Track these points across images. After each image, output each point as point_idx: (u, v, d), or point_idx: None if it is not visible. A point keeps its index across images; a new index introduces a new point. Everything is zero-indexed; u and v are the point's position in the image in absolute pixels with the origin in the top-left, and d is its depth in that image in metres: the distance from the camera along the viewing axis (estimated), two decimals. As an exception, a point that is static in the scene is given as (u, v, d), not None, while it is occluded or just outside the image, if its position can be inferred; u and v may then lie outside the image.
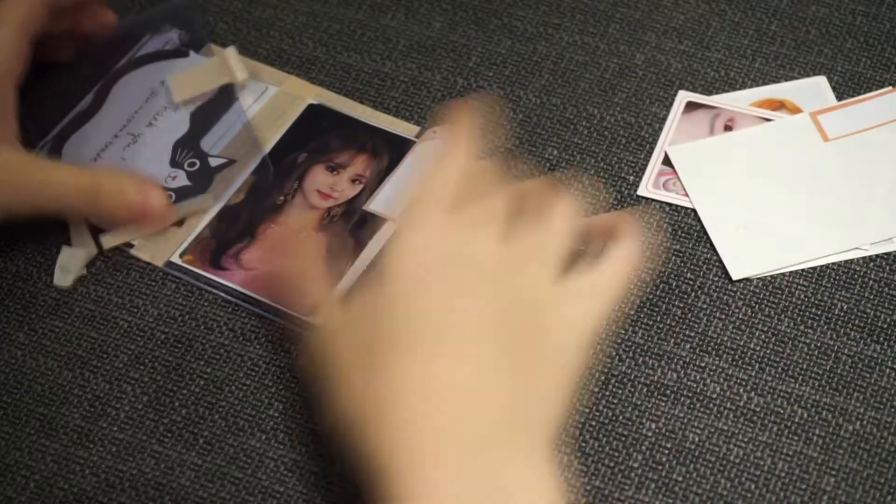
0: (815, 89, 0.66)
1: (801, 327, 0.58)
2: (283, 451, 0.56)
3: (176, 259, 0.61)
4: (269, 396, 0.57)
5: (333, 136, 0.64)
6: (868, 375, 0.57)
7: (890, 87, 0.65)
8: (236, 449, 0.56)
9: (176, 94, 0.65)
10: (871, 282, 0.59)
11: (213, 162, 0.64)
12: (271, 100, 0.66)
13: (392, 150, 0.64)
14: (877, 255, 0.60)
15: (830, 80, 0.66)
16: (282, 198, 0.62)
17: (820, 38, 0.68)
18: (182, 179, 0.63)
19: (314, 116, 0.66)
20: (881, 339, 0.58)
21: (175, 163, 0.64)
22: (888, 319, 0.58)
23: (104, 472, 0.55)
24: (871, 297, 0.59)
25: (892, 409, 0.56)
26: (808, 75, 0.66)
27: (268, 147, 0.64)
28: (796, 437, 0.55)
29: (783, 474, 0.54)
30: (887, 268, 0.60)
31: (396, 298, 0.48)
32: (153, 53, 0.67)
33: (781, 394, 0.56)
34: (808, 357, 0.57)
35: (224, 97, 0.65)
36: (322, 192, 0.62)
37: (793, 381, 0.57)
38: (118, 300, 0.60)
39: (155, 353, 0.59)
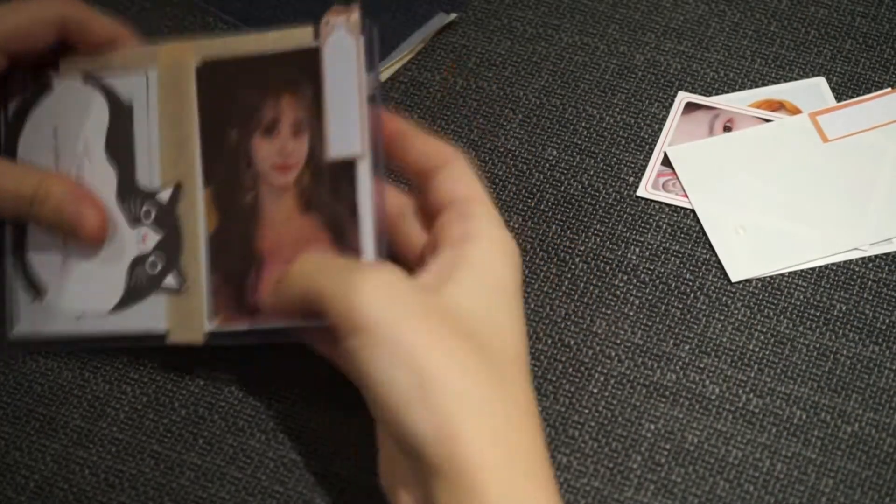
0: (814, 90, 0.66)
1: (800, 328, 0.58)
2: (283, 451, 0.56)
3: (212, 326, 0.54)
4: (269, 396, 0.57)
5: (242, 93, 0.54)
6: (867, 377, 0.57)
7: (889, 88, 0.65)
8: (236, 449, 0.56)
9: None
10: (869, 283, 0.59)
11: (162, 197, 0.55)
12: (160, 90, 0.56)
13: (304, 72, 0.53)
14: (876, 256, 0.60)
15: (830, 80, 0.66)
16: (250, 197, 0.53)
17: (819, 39, 0.68)
18: (152, 236, 0.55)
19: (211, 80, 0.55)
20: (880, 340, 0.58)
21: (134, 219, 0.56)
22: (887, 320, 0.58)
23: (104, 472, 0.55)
24: (870, 297, 0.59)
25: (891, 411, 0.56)
26: (808, 76, 0.66)
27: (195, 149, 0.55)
28: (795, 439, 0.55)
29: (782, 476, 0.54)
30: (886, 269, 0.60)
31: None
32: None
33: (780, 395, 0.56)
34: (806, 358, 0.57)
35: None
36: (277, 165, 0.53)
37: (792, 382, 0.57)
38: (118, 300, 0.61)
39: (155, 354, 0.59)
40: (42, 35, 0.55)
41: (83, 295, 0.56)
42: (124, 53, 0.56)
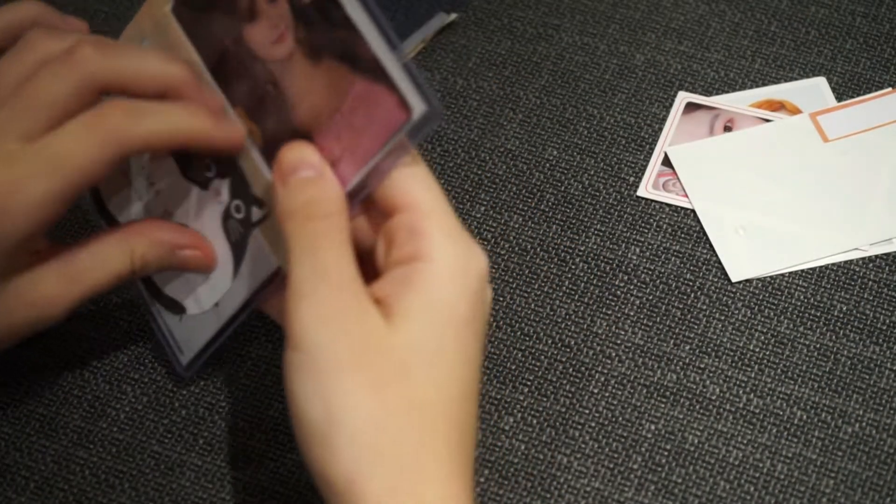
0: (814, 90, 0.66)
1: (801, 328, 0.58)
2: (283, 451, 0.56)
3: None
4: (270, 396, 0.57)
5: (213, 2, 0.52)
6: (867, 377, 0.57)
7: (890, 88, 0.65)
8: (236, 450, 0.56)
9: None
10: (870, 283, 0.59)
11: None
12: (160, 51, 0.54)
13: None
14: (876, 256, 0.60)
15: (830, 80, 0.66)
16: (270, 87, 0.50)
17: (820, 38, 0.68)
18: (223, 186, 0.54)
19: (187, 12, 0.53)
20: (880, 340, 0.58)
21: (203, 183, 0.54)
22: (887, 321, 0.58)
23: (104, 472, 0.55)
24: (871, 298, 0.59)
25: (892, 411, 0.56)
26: (808, 76, 0.66)
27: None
28: (795, 439, 0.55)
29: (782, 476, 0.54)
30: (887, 269, 0.60)
31: None
32: None
33: (781, 395, 0.56)
34: (807, 358, 0.57)
35: None
36: (273, 39, 0.50)
37: (792, 382, 0.57)
38: (118, 300, 0.60)
39: (155, 354, 0.59)
40: (13, 38, 0.53)
41: (209, 284, 0.54)
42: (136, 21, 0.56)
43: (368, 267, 0.47)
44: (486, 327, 0.46)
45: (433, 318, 0.44)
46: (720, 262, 0.60)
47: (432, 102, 0.45)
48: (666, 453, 0.55)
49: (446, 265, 0.44)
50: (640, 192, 0.63)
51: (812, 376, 0.57)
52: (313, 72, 0.48)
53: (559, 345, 0.58)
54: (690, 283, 0.60)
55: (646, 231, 0.61)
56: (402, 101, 0.45)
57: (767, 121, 0.65)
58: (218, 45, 0.52)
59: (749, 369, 0.57)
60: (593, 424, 0.56)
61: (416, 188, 0.46)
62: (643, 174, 0.63)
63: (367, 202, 0.47)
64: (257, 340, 0.59)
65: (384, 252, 0.46)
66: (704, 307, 0.59)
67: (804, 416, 0.56)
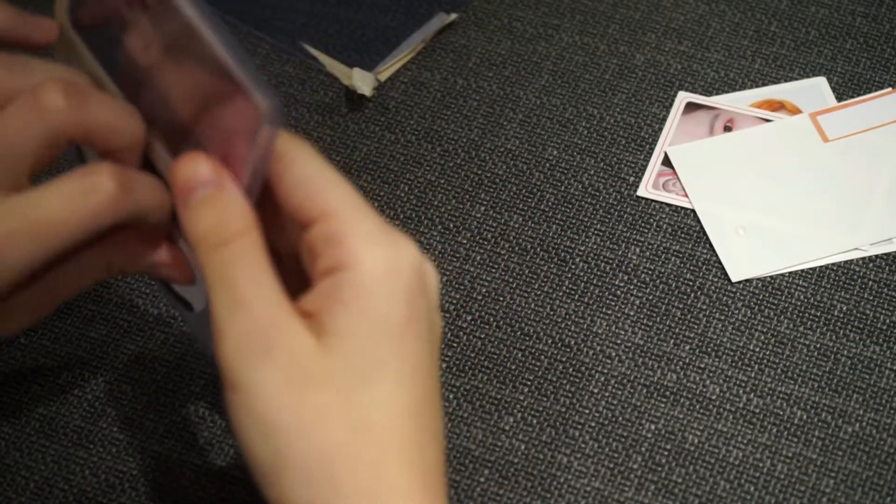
0: (814, 90, 0.66)
1: (801, 328, 0.58)
2: (283, 451, 0.56)
3: None
4: (269, 396, 0.57)
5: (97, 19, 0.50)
6: (867, 377, 0.57)
7: (890, 88, 0.65)
8: (236, 450, 0.56)
9: None
10: (870, 283, 0.59)
11: None
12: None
13: None
14: (876, 256, 0.60)
15: (830, 80, 0.66)
16: (156, 94, 0.48)
17: (820, 38, 0.68)
18: None
19: (83, 25, 0.51)
20: (881, 340, 0.58)
21: None
22: (887, 320, 0.58)
23: (104, 472, 0.55)
24: (871, 298, 0.59)
25: (892, 411, 0.56)
26: (808, 76, 0.66)
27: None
28: (795, 439, 0.55)
29: (782, 476, 0.54)
30: (887, 268, 0.60)
31: None
32: None
33: (781, 395, 0.56)
34: (807, 358, 0.57)
35: None
36: (143, 46, 0.47)
37: (792, 382, 0.57)
38: (118, 299, 0.60)
39: (155, 353, 0.59)
40: None
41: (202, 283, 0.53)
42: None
43: (293, 275, 0.44)
44: (432, 321, 0.43)
45: (368, 332, 0.41)
46: (720, 262, 0.60)
47: (271, 97, 0.42)
48: (666, 453, 0.55)
49: (372, 270, 0.41)
50: (640, 192, 0.63)
51: (812, 376, 0.57)
52: (182, 76, 0.46)
53: (559, 345, 0.58)
54: (690, 283, 0.60)
55: (646, 231, 0.61)
56: (251, 99, 0.43)
57: (767, 121, 0.65)
58: (114, 54, 0.50)
59: (749, 369, 0.57)
60: (593, 424, 0.56)
61: (327, 194, 0.43)
62: (643, 174, 0.63)
63: (275, 211, 0.44)
64: (257, 340, 0.59)
65: (310, 264, 0.43)
66: (704, 307, 0.59)
67: (804, 416, 0.56)
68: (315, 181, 0.43)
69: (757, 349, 0.57)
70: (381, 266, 0.42)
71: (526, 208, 0.63)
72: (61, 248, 0.44)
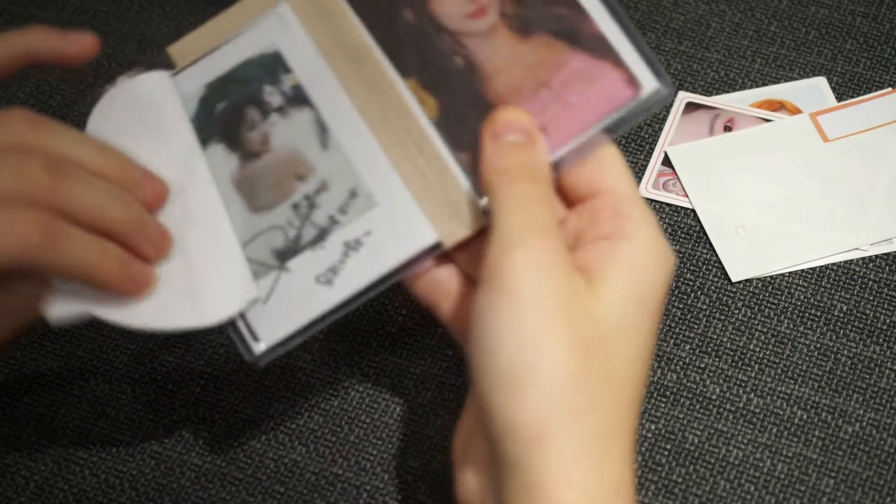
0: (814, 90, 0.66)
1: (801, 328, 0.58)
2: (283, 451, 0.56)
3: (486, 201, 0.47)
4: (270, 396, 0.57)
5: None
6: (867, 377, 0.57)
7: (890, 88, 0.65)
8: (236, 450, 0.56)
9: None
10: (870, 283, 0.59)
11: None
12: (302, 16, 0.51)
13: None
14: (876, 256, 0.60)
15: (830, 80, 0.66)
16: (458, 60, 0.48)
17: (820, 38, 0.68)
18: None
19: None
20: (881, 340, 0.58)
21: None
22: (887, 320, 0.58)
23: (104, 472, 0.55)
24: (871, 297, 0.59)
25: (892, 411, 0.56)
26: (808, 76, 0.66)
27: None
28: (795, 439, 0.55)
29: (782, 476, 0.54)
30: (887, 268, 0.60)
31: None
32: None
33: (781, 395, 0.56)
34: (807, 358, 0.57)
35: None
36: (470, 12, 0.49)
37: (792, 382, 0.57)
38: (118, 300, 0.61)
39: (155, 354, 0.59)
40: (8, 71, 0.51)
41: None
42: (241, 8, 0.53)
43: None
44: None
45: (634, 296, 0.45)
46: (720, 262, 0.60)
47: (663, 79, 0.45)
48: (666, 453, 0.55)
49: (649, 249, 0.45)
50: (641, 191, 0.63)
51: (812, 376, 0.57)
52: (519, 45, 0.48)
53: (559, 344, 0.58)
54: (690, 283, 0.60)
55: (646, 231, 0.61)
56: (629, 77, 0.45)
57: (767, 121, 0.65)
58: (390, 13, 0.50)
59: (749, 369, 0.57)
60: (593, 424, 0.56)
61: (619, 175, 0.47)
62: (643, 174, 0.63)
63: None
64: (257, 340, 0.59)
65: (582, 227, 0.46)
66: (704, 307, 0.59)
67: (804, 416, 0.56)
68: (611, 159, 0.47)
69: (757, 349, 0.57)
70: (656, 250, 0.46)
71: (526, 208, 0.62)
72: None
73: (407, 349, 0.58)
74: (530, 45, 0.48)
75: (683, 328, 0.58)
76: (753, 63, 0.67)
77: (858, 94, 0.65)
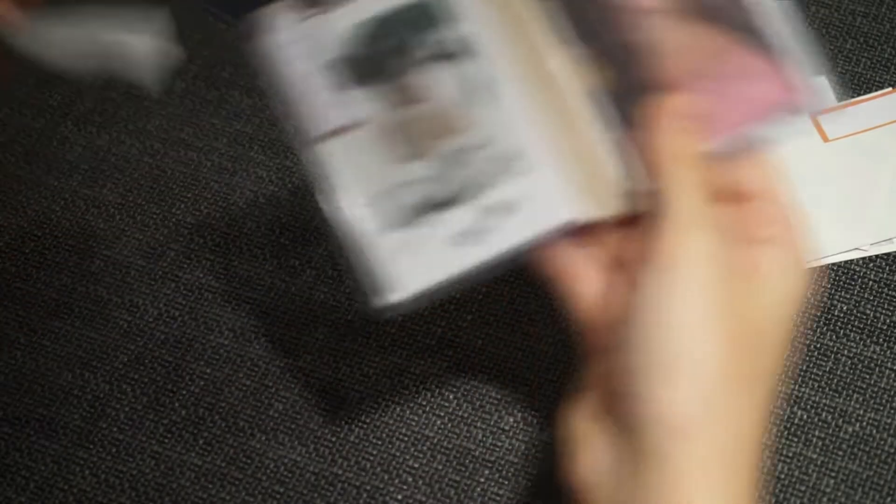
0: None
1: (801, 328, 0.58)
2: (283, 451, 0.56)
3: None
4: (269, 396, 0.57)
5: None
6: (868, 377, 0.57)
7: (890, 88, 0.65)
8: (236, 450, 0.56)
9: None
10: (870, 282, 0.59)
11: None
12: None
13: None
14: (877, 256, 0.60)
15: (830, 80, 0.66)
16: (636, 35, 0.48)
17: (820, 38, 0.68)
18: None
19: None
20: (881, 340, 0.58)
21: None
22: (888, 320, 0.58)
23: (104, 472, 0.55)
24: (871, 297, 0.59)
25: (892, 411, 0.56)
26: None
27: None
28: (796, 439, 0.55)
29: (782, 476, 0.54)
30: (887, 268, 0.60)
31: None
32: None
33: (781, 395, 0.56)
34: (807, 358, 0.57)
35: None
36: None
37: (792, 382, 0.57)
38: (118, 300, 0.60)
39: (155, 354, 0.59)
40: None
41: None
42: None
43: None
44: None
45: (786, 307, 0.45)
46: (720, 262, 0.60)
47: (824, 91, 0.45)
48: (666, 453, 0.55)
49: (799, 263, 0.46)
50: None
51: (812, 376, 0.57)
52: (689, 31, 0.47)
53: (559, 345, 0.58)
54: (691, 283, 0.60)
55: (646, 231, 0.61)
56: (793, 83, 0.45)
57: (767, 120, 0.64)
58: None
59: (749, 369, 0.57)
60: (593, 424, 0.56)
61: (780, 181, 0.48)
62: (643, 174, 0.63)
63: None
64: (257, 340, 0.59)
65: (736, 225, 0.46)
66: (705, 307, 0.59)
67: (804, 416, 0.56)
68: (772, 166, 0.48)
69: (757, 349, 0.57)
70: (803, 265, 0.46)
71: (526, 208, 0.62)
72: None
73: (407, 349, 0.58)
74: (704, 34, 0.47)
75: (683, 328, 0.58)
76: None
77: (859, 94, 0.65)
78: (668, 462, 0.41)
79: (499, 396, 0.57)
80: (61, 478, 0.55)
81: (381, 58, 0.49)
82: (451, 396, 0.57)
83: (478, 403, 0.57)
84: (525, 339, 0.58)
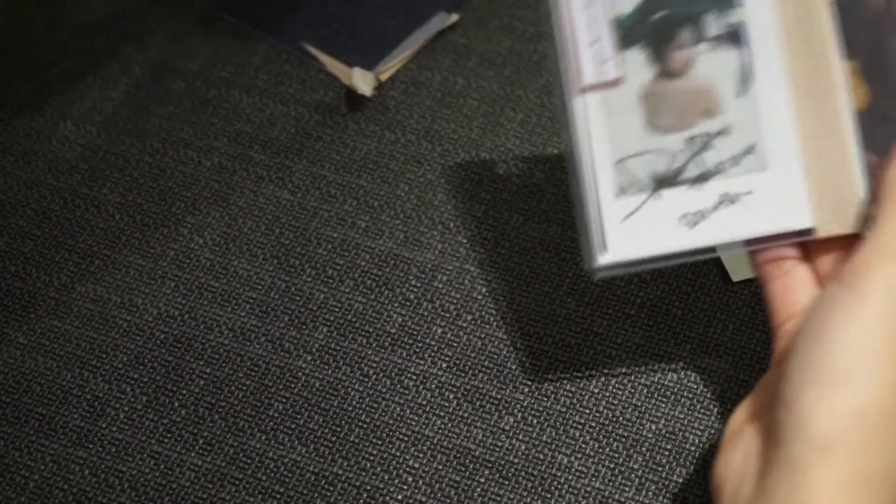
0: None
1: None
2: (284, 451, 0.56)
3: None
4: (270, 396, 0.57)
5: None
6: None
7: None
8: (236, 449, 0.56)
9: None
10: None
11: None
12: None
13: None
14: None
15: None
16: None
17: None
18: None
19: None
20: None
21: None
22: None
23: (104, 472, 0.55)
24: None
25: None
26: (809, 76, 0.66)
27: None
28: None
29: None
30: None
31: None
32: None
33: None
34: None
35: None
36: None
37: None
38: (117, 299, 0.60)
39: (154, 353, 0.59)
40: None
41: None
42: None
43: None
44: None
45: None
46: (720, 262, 0.60)
47: None
48: (666, 453, 0.55)
49: None
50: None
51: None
52: None
53: (559, 344, 0.58)
54: (691, 283, 0.60)
55: (646, 231, 0.61)
56: None
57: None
58: None
59: (750, 369, 0.57)
60: (594, 424, 0.56)
61: None
62: (643, 174, 0.63)
63: None
64: (257, 340, 0.59)
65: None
66: (705, 307, 0.59)
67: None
68: None
69: (758, 349, 0.57)
70: None
71: (526, 208, 0.62)
72: None
73: (407, 349, 0.58)
74: None
75: (684, 328, 0.58)
76: None
77: (859, 94, 0.65)
78: (806, 473, 0.41)
79: (499, 396, 0.57)
80: (61, 477, 0.55)
81: (669, 26, 0.48)
82: (451, 396, 0.57)
83: (478, 403, 0.57)
84: (525, 339, 0.58)
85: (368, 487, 0.55)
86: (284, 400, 0.57)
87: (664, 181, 0.48)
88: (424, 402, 0.57)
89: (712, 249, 0.47)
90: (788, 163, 0.47)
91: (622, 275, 0.47)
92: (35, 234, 0.63)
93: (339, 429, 0.56)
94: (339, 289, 0.60)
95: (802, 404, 0.42)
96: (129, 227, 0.63)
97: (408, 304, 0.60)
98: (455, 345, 0.58)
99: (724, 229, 0.47)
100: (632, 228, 0.48)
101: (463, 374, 0.57)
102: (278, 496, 0.54)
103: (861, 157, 0.47)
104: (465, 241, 0.61)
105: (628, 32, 0.48)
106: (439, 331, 0.59)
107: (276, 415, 0.57)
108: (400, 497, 0.54)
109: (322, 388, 0.57)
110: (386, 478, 0.55)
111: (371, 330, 0.59)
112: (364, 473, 0.55)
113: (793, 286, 0.48)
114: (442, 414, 0.56)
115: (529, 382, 0.57)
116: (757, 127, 0.47)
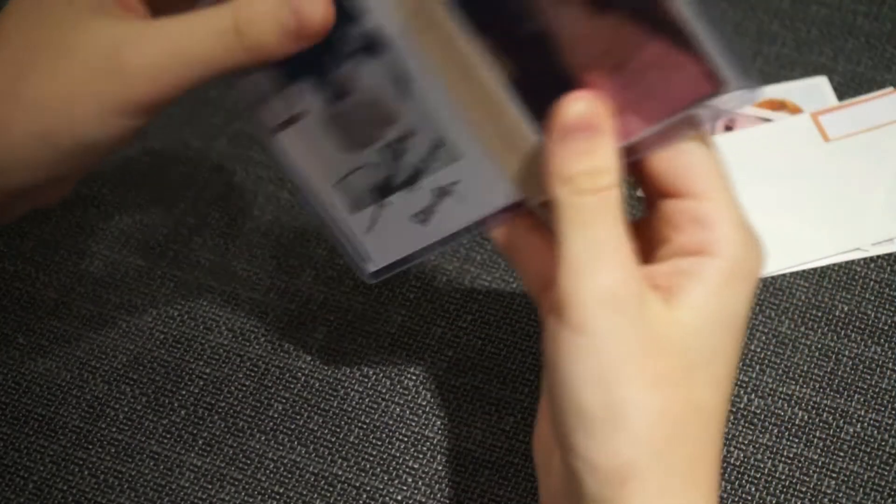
0: (815, 89, 0.66)
1: (802, 329, 0.58)
2: (283, 452, 0.56)
3: None
4: (269, 396, 0.57)
5: None
6: (869, 377, 0.56)
7: (891, 88, 0.65)
8: (235, 450, 0.56)
9: None
10: (871, 283, 0.59)
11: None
12: None
13: None
14: (877, 256, 0.60)
15: (831, 80, 0.66)
16: (535, 24, 0.45)
17: (821, 38, 0.67)
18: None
19: None
20: (882, 340, 0.57)
21: None
22: (889, 321, 0.58)
23: (103, 472, 0.55)
24: (872, 298, 0.59)
25: (893, 412, 0.55)
26: (809, 75, 0.66)
27: None
28: (797, 440, 0.55)
29: (783, 477, 0.54)
30: (888, 269, 0.60)
31: None
32: None
33: (782, 396, 0.56)
34: (808, 359, 0.57)
35: None
36: None
37: (793, 382, 0.56)
38: (117, 300, 0.60)
39: (154, 354, 0.59)
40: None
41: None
42: None
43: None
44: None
45: (718, 320, 0.42)
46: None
47: (750, 78, 0.42)
48: (667, 454, 0.55)
49: (734, 264, 0.42)
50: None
51: (813, 376, 0.57)
52: (597, 21, 0.45)
53: (560, 345, 0.58)
54: (691, 283, 0.59)
55: (646, 231, 0.61)
56: (710, 72, 0.42)
57: (768, 120, 0.64)
58: None
59: (750, 370, 0.57)
60: (594, 425, 0.56)
61: (708, 174, 0.43)
62: (644, 174, 0.63)
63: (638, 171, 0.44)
64: (257, 340, 0.59)
65: (662, 231, 0.44)
66: (705, 307, 0.59)
67: (805, 417, 0.56)
68: (700, 157, 0.43)
69: (758, 350, 0.57)
70: (742, 264, 0.42)
71: (526, 208, 0.62)
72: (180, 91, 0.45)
73: (407, 349, 0.58)
74: (608, 22, 0.44)
75: (684, 328, 0.58)
76: (754, 62, 0.67)
77: (859, 94, 0.65)
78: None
79: (499, 396, 0.57)
80: (60, 478, 0.55)
81: (311, 55, 0.48)
82: (450, 396, 0.57)
83: (478, 403, 0.57)
84: (525, 339, 0.58)
85: (368, 488, 0.54)
86: (284, 400, 0.57)
87: (383, 190, 0.49)
88: (424, 402, 0.57)
89: (458, 235, 0.48)
90: (473, 147, 0.47)
91: (397, 272, 0.50)
92: (35, 234, 0.63)
93: (338, 429, 0.56)
94: (339, 289, 0.60)
95: (584, 450, 0.41)
96: (129, 226, 0.63)
97: (408, 304, 0.60)
98: (455, 345, 0.58)
99: (451, 220, 0.48)
100: (379, 236, 0.50)
101: (463, 374, 0.57)
102: (278, 497, 0.54)
103: (531, 124, 0.45)
104: (464, 241, 0.61)
105: (294, 66, 0.49)
106: (439, 331, 0.58)
107: (276, 415, 0.57)
108: (400, 497, 0.54)
109: (322, 388, 0.57)
110: (386, 478, 0.55)
111: (371, 330, 0.59)
112: (364, 474, 0.55)
113: (540, 256, 0.46)
114: (442, 414, 0.56)
115: (529, 382, 0.57)
116: (434, 123, 0.48)
